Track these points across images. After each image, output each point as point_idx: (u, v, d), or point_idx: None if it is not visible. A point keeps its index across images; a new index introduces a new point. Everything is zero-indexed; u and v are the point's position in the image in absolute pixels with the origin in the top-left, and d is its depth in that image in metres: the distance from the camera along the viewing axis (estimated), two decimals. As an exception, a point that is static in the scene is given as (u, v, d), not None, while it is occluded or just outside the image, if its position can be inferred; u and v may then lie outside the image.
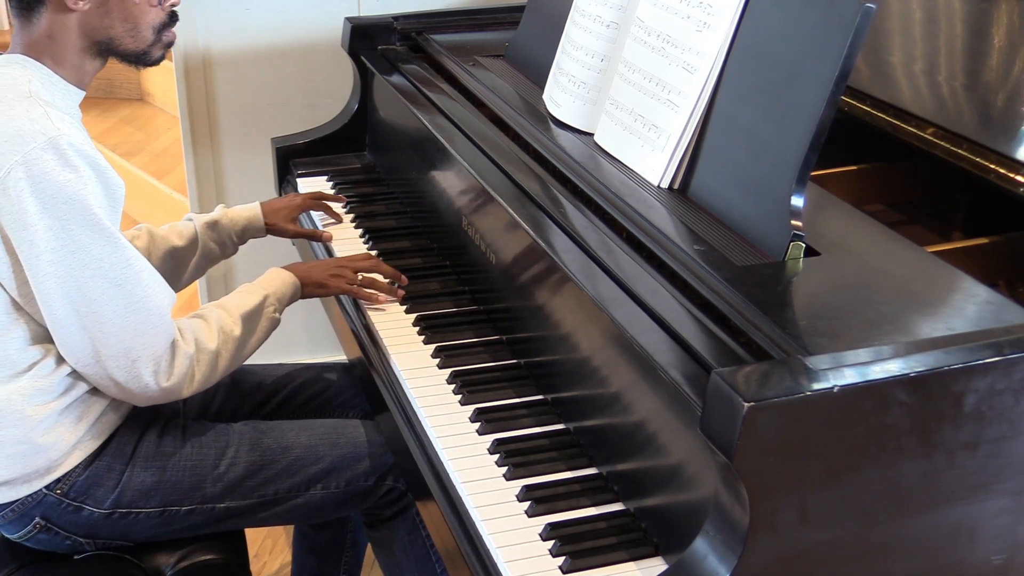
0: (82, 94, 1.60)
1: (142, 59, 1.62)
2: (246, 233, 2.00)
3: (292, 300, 1.76)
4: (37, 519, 1.60)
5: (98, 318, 1.49)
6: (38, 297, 1.50)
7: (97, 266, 1.48)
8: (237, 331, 1.63)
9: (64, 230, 1.45)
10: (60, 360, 1.56)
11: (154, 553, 1.69)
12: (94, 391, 1.59)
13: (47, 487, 1.59)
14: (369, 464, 1.75)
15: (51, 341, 1.54)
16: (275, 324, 1.71)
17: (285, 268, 1.78)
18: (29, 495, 1.58)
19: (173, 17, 1.64)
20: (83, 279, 1.47)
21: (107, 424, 1.63)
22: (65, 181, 1.44)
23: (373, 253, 2.00)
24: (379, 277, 1.84)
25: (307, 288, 1.78)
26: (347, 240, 2.06)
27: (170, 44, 1.64)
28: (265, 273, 1.76)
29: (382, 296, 1.81)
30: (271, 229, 2.03)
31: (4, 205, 1.45)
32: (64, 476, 1.59)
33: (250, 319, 1.66)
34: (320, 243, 2.06)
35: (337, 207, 2.13)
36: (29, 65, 1.53)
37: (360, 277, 1.82)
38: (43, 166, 1.44)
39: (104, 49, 1.58)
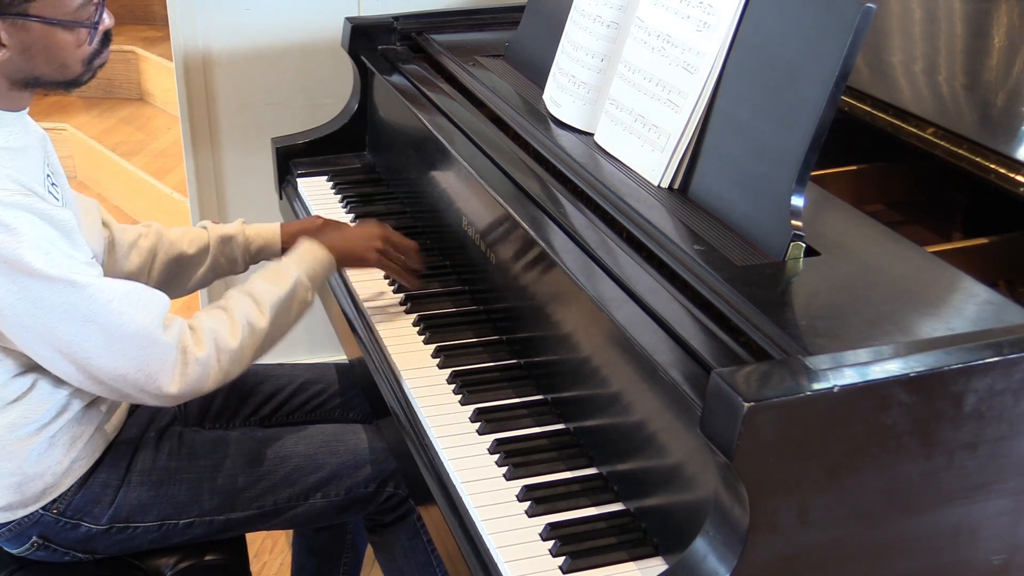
0: (22, 113, 1.51)
1: (71, 86, 1.50)
2: (260, 255, 1.93)
3: (327, 276, 1.70)
4: (35, 538, 1.59)
5: (82, 353, 1.44)
6: (18, 345, 1.45)
7: (62, 311, 1.41)
8: (264, 323, 1.56)
9: (16, 284, 1.39)
10: (47, 389, 1.52)
11: (154, 554, 1.69)
12: (84, 412, 1.57)
13: (43, 508, 1.57)
14: (369, 471, 1.74)
15: (37, 371, 1.51)
16: (308, 307, 1.64)
17: (320, 240, 1.70)
18: (26, 515, 1.57)
19: (105, 41, 1.50)
20: (52, 325, 1.41)
21: (100, 441, 1.61)
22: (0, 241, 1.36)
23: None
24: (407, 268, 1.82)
25: (344, 261, 1.73)
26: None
27: (102, 66, 1.52)
28: (299, 246, 1.68)
29: (416, 282, 1.79)
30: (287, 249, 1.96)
31: None
32: (60, 496, 1.57)
33: (280, 307, 1.59)
34: None
35: None
36: None
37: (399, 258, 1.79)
38: None
39: (31, 84, 1.47)
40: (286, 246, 1.92)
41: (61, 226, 1.43)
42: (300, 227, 1.96)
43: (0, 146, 1.45)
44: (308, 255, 1.67)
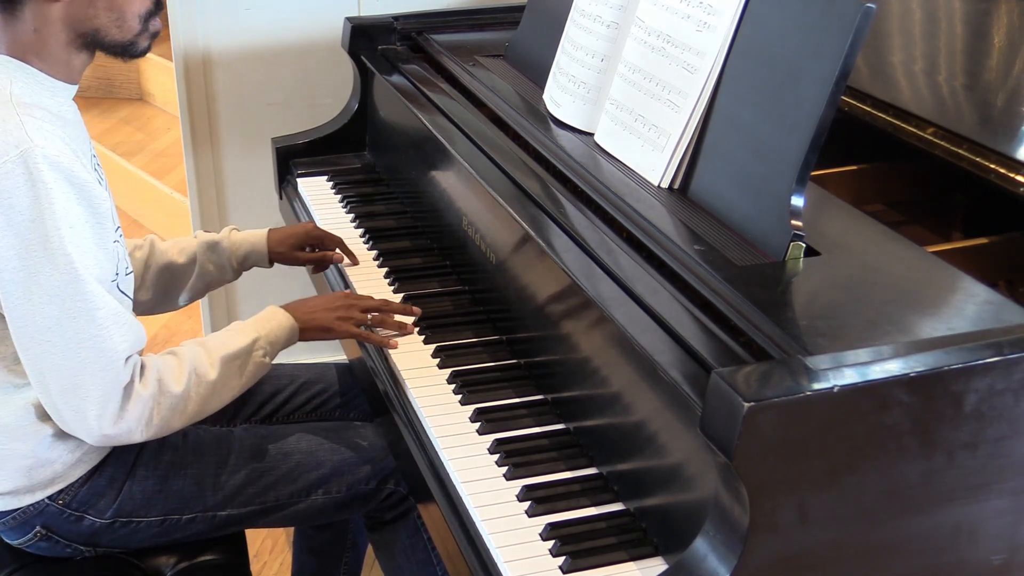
0: (74, 88, 1.54)
1: (128, 50, 1.53)
2: (248, 260, 1.92)
3: (288, 344, 1.65)
4: (38, 528, 1.59)
5: (49, 347, 1.43)
6: (8, 324, 1.45)
7: (54, 293, 1.40)
8: (213, 375, 1.54)
9: (26, 251, 1.39)
10: None
11: (154, 553, 1.69)
12: None
13: (49, 497, 1.57)
14: (370, 468, 1.74)
15: None
16: (264, 369, 1.62)
17: (286, 308, 1.67)
18: (31, 504, 1.57)
19: (159, 4, 1.54)
20: (40, 304, 1.41)
21: None
22: (33, 199, 1.38)
23: (373, 252, 2.00)
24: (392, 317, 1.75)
25: (308, 332, 1.68)
26: (349, 240, 2.05)
27: (156, 33, 1.55)
28: (263, 311, 1.66)
29: (394, 340, 1.72)
30: (278, 258, 1.95)
31: None
32: (67, 487, 1.58)
33: (232, 363, 1.57)
34: (331, 265, 1.98)
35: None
36: (11, 66, 1.47)
37: (369, 317, 1.73)
38: (12, 181, 1.37)
39: (90, 41, 1.49)
40: (273, 251, 1.94)
41: (96, 206, 1.45)
42: (287, 233, 1.96)
43: (54, 112, 1.48)
44: (271, 319, 1.65)
